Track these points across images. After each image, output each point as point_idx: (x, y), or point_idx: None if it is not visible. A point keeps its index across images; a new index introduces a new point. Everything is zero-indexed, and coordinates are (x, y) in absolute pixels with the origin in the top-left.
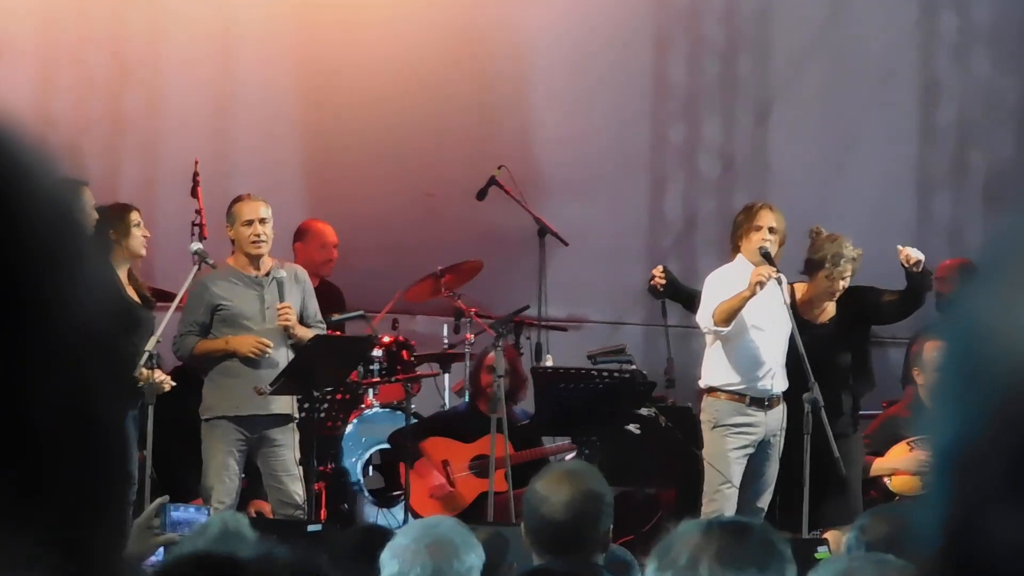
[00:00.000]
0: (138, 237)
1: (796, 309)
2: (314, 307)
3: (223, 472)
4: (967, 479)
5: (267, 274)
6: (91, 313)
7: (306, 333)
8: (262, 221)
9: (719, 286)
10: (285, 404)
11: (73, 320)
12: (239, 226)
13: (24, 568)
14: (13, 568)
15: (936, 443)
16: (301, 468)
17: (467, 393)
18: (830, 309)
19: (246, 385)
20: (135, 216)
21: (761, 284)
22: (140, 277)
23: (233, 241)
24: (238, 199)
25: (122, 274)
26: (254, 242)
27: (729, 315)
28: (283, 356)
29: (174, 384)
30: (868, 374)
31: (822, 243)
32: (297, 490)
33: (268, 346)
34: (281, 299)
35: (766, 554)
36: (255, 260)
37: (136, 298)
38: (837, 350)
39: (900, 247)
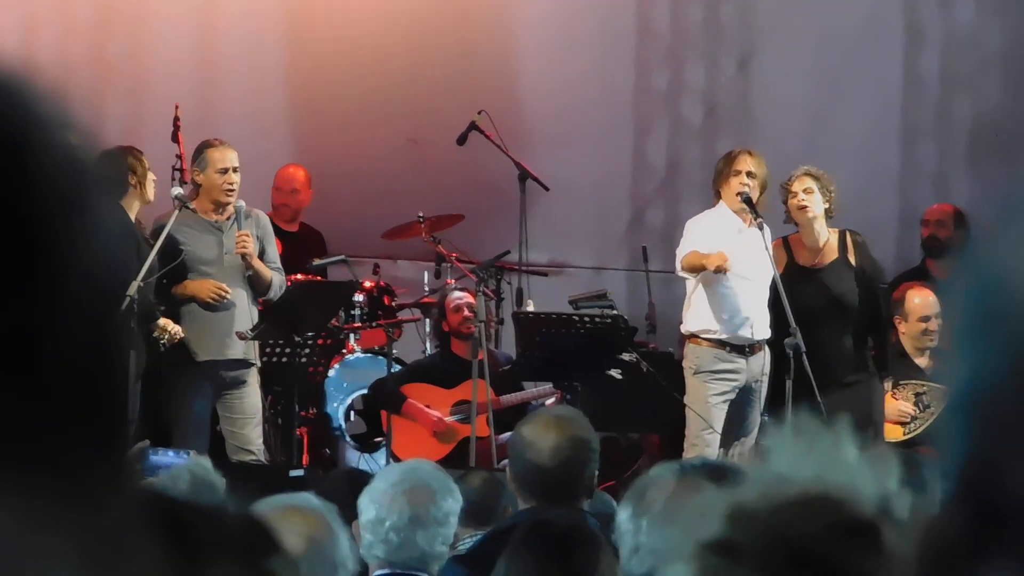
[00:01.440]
0: (151, 182)
1: (794, 257)
2: (272, 253)
3: (189, 418)
4: (985, 424)
5: (228, 218)
6: (106, 263)
7: (263, 268)
8: (235, 170)
9: (696, 234)
10: (241, 349)
11: (88, 270)
12: (213, 173)
13: (40, 509)
14: (30, 509)
15: (954, 386)
16: (262, 412)
17: (427, 340)
18: (829, 251)
19: (204, 331)
20: (146, 160)
21: (720, 270)
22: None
23: (197, 185)
24: (209, 144)
25: (133, 218)
26: (227, 191)
27: (692, 269)
28: (242, 297)
29: (182, 336)
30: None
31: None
32: (252, 436)
33: (226, 291)
34: (239, 227)
35: None
36: (221, 207)
37: None
38: (843, 292)
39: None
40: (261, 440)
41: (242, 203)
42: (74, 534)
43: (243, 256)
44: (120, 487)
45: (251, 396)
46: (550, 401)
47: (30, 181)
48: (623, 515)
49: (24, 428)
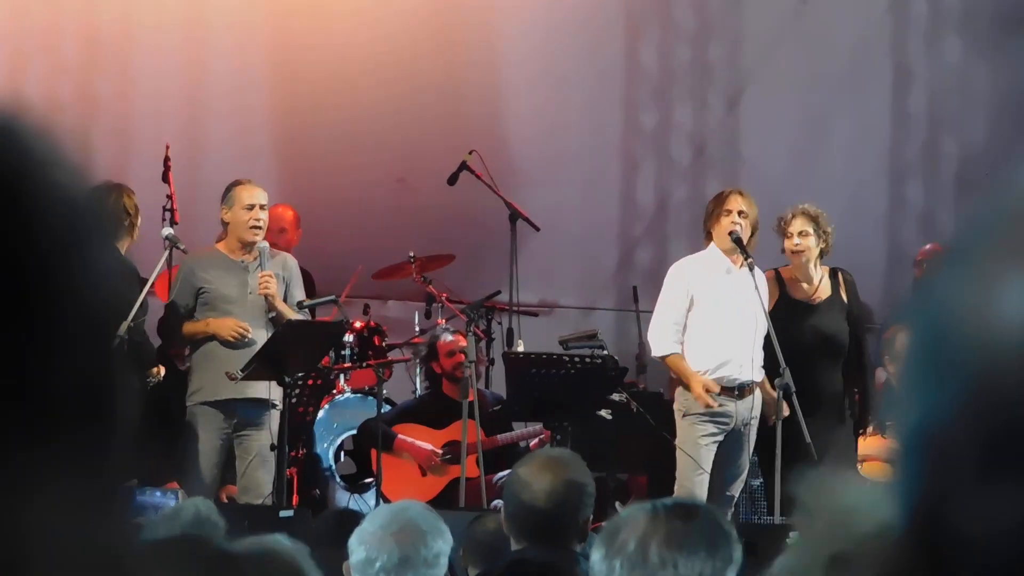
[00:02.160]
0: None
1: (787, 292)
2: (299, 295)
3: (202, 459)
4: (937, 464)
5: (255, 259)
6: (101, 300)
7: (287, 309)
8: (262, 207)
9: (677, 292)
10: (262, 389)
11: (83, 308)
12: (239, 209)
13: (32, 540)
14: (23, 541)
15: (905, 426)
16: (275, 454)
17: (417, 380)
18: (824, 288)
19: (225, 368)
20: (135, 197)
21: (708, 405)
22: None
23: (225, 224)
24: (238, 183)
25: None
26: (253, 227)
27: (673, 372)
28: (263, 338)
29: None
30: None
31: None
32: (264, 479)
33: (247, 330)
34: (262, 267)
35: (714, 535)
36: (247, 246)
37: None
38: (837, 331)
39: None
40: (270, 482)
41: (265, 244)
42: (68, 564)
43: (266, 296)
44: (112, 521)
45: (265, 438)
46: (533, 442)
47: (24, 220)
48: (596, 556)
49: (15, 460)
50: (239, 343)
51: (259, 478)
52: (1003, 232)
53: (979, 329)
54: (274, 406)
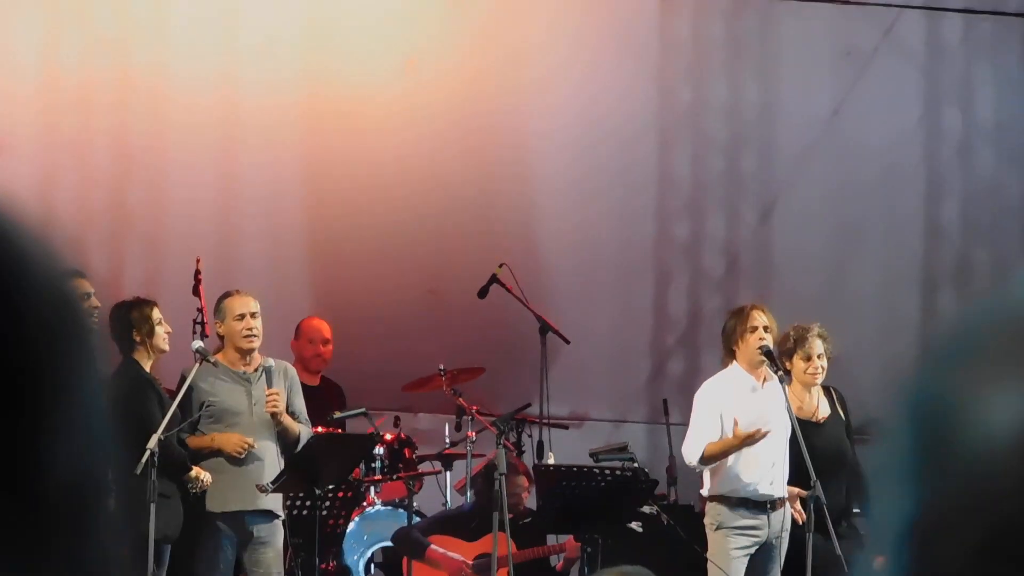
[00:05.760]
0: (161, 334)
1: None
2: (300, 405)
3: (213, 571)
4: (925, 555)
5: (255, 370)
6: (95, 405)
7: (292, 423)
8: (253, 315)
9: (709, 409)
10: (272, 501)
11: (78, 412)
12: (231, 321)
13: None
14: None
15: (895, 520)
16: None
17: (469, 492)
18: (823, 407)
19: (233, 481)
20: (157, 312)
21: (753, 440)
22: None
23: (222, 337)
24: (227, 295)
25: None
26: (247, 336)
27: (718, 458)
28: (270, 449)
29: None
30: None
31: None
32: None
33: (251, 445)
34: (269, 385)
35: None
36: (245, 355)
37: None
38: (843, 447)
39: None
40: None
41: (271, 361)
42: None
43: (272, 414)
44: None
45: (274, 550)
46: (559, 563)
47: (16, 316)
48: None
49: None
50: (245, 457)
51: None
52: (997, 336)
53: (973, 428)
54: (278, 516)
